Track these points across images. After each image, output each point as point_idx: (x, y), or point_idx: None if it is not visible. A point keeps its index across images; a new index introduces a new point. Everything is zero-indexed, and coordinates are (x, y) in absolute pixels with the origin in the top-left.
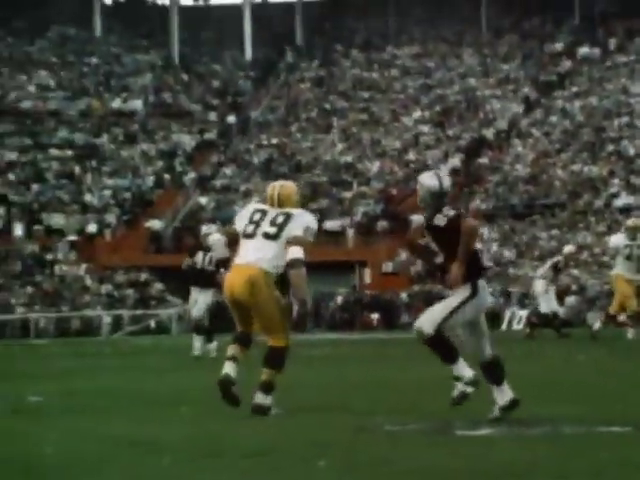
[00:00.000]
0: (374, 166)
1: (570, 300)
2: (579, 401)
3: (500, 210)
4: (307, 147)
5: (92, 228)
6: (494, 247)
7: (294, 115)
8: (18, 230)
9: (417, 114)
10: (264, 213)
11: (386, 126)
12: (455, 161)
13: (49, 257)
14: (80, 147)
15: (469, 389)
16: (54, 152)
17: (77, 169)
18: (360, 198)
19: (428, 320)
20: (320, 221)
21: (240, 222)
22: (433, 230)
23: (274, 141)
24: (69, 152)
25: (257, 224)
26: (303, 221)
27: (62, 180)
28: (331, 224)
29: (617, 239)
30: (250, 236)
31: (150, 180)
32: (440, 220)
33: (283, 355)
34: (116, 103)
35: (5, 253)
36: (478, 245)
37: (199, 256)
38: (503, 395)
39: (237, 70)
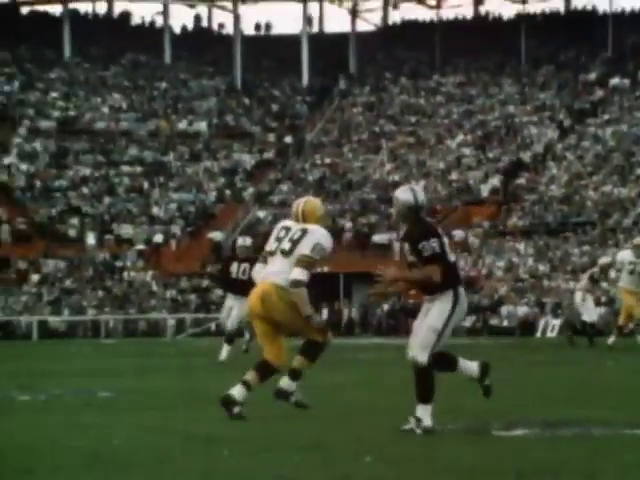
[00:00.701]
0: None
1: (600, 311)
2: (607, 405)
3: (536, 227)
4: (358, 166)
5: (158, 238)
6: (530, 261)
7: (346, 137)
8: (91, 239)
9: (460, 137)
10: (287, 230)
11: (431, 148)
12: (495, 181)
13: (119, 264)
14: (149, 164)
15: (419, 431)
16: (125, 168)
17: (146, 184)
18: None
19: (420, 348)
20: (369, 235)
21: (269, 241)
22: (415, 252)
23: (327, 161)
24: (139, 168)
25: (280, 241)
26: (314, 238)
27: (132, 194)
28: (379, 237)
29: (623, 255)
30: (272, 253)
31: (212, 195)
32: (426, 251)
33: (319, 349)
34: (182, 124)
35: (78, 260)
36: (453, 257)
37: (234, 266)
38: (471, 371)
39: (294, 95)
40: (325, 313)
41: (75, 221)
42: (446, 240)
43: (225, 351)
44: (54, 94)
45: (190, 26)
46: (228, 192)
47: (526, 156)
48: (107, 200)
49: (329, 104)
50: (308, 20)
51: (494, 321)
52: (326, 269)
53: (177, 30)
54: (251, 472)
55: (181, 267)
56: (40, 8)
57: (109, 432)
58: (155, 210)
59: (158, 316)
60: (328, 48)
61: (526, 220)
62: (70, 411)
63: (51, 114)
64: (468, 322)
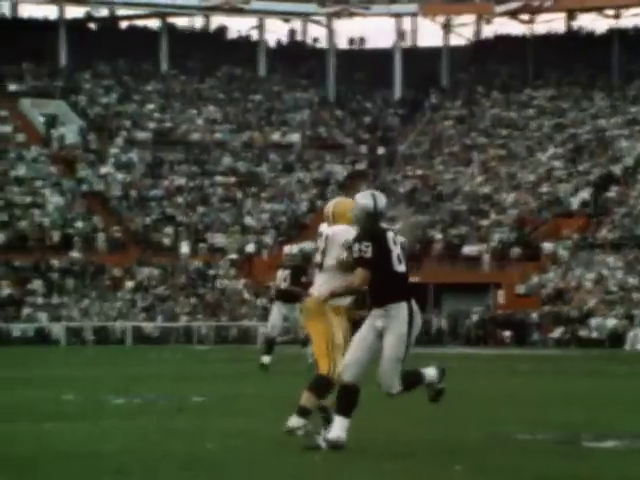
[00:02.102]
0: (510, 197)
1: None
2: None
3: (625, 240)
4: (449, 178)
5: (251, 248)
6: (619, 274)
7: (437, 149)
8: (184, 248)
9: (551, 150)
10: (320, 238)
11: (522, 161)
12: (585, 194)
13: (211, 272)
14: (242, 174)
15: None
16: (219, 179)
17: (239, 194)
18: (496, 226)
19: (390, 381)
20: (459, 246)
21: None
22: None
23: (418, 172)
24: (232, 179)
25: (317, 253)
26: (339, 240)
27: (225, 204)
28: (469, 249)
29: None
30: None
31: (304, 205)
32: (354, 252)
33: (322, 383)
34: (276, 136)
35: (172, 268)
36: (403, 267)
37: (279, 273)
38: (335, 429)
39: (387, 107)
40: None
41: (169, 230)
42: (398, 250)
43: (267, 357)
44: (150, 106)
45: (285, 40)
46: (320, 202)
47: (617, 169)
48: (201, 209)
49: (421, 117)
50: (401, 34)
51: (583, 332)
52: (416, 279)
53: (272, 44)
54: (342, 479)
55: (272, 276)
56: (139, 23)
57: (202, 436)
58: (248, 220)
59: (249, 324)
60: (420, 62)
61: (616, 233)
62: (164, 415)
63: (147, 125)
64: (557, 333)
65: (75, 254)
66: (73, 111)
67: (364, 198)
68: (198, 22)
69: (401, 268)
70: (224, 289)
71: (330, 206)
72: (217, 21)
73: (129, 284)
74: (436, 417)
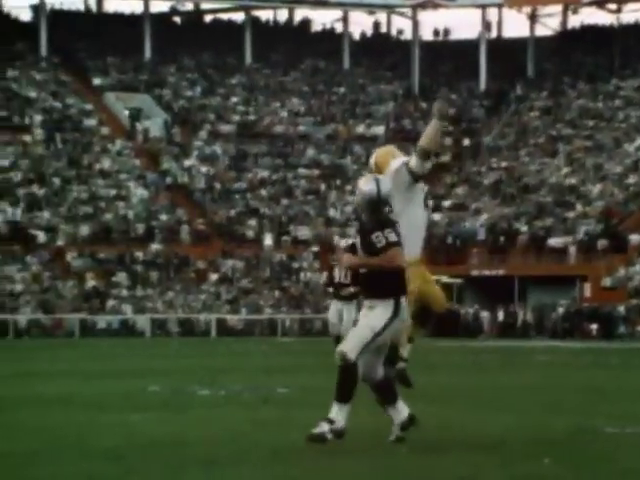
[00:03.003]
0: (596, 188)
1: None
2: None
3: None
4: (534, 170)
5: (335, 239)
6: None
7: (523, 141)
8: (268, 240)
9: (638, 141)
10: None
11: (608, 152)
12: None
13: (295, 265)
14: (326, 167)
15: (330, 436)
16: (302, 171)
17: (323, 187)
18: (582, 218)
19: (352, 344)
20: (544, 238)
21: None
22: (367, 245)
23: (503, 164)
24: (316, 171)
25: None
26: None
27: (309, 196)
28: (555, 241)
29: None
30: None
31: None
32: (379, 242)
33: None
34: (360, 128)
35: (256, 260)
36: (403, 262)
37: (336, 270)
38: (399, 414)
39: (471, 99)
40: (501, 315)
41: (253, 222)
42: (402, 244)
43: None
44: (234, 99)
45: (369, 32)
46: None
47: None
48: (285, 202)
49: (506, 108)
50: (487, 25)
51: None
52: (501, 272)
53: (356, 36)
54: (431, 471)
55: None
56: (223, 16)
57: (287, 427)
58: (331, 212)
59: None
60: (506, 53)
61: None
62: (249, 406)
63: (231, 118)
64: None
65: (156, 246)
66: (157, 104)
67: (367, 184)
68: (282, 15)
69: (402, 263)
70: (308, 282)
71: (373, 158)
72: (301, 14)
73: (213, 276)
74: (524, 409)
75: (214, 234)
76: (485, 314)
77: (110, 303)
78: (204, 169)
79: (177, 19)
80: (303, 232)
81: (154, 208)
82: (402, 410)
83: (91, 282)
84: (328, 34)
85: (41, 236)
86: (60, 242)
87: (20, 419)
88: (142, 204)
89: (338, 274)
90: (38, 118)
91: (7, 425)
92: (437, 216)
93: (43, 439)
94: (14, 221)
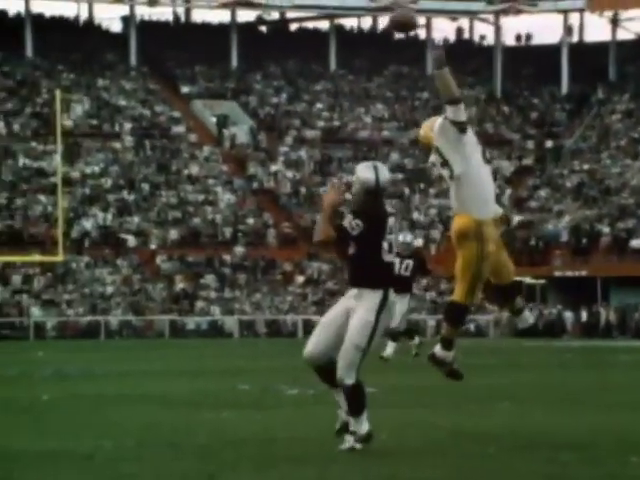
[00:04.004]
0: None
1: None
2: None
3: None
4: (616, 172)
5: (419, 242)
6: None
7: (605, 143)
8: None
9: None
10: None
11: None
12: None
13: None
14: (410, 171)
15: (358, 446)
16: None
17: (406, 190)
18: None
19: (347, 370)
20: (627, 240)
21: None
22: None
23: (585, 167)
24: (400, 175)
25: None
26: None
27: (393, 200)
28: (637, 242)
29: None
30: None
31: None
32: (354, 230)
33: (454, 310)
34: None
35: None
36: (390, 257)
37: (396, 264)
38: (360, 425)
39: (554, 103)
40: (584, 315)
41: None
42: (392, 238)
43: (390, 347)
44: (319, 105)
45: (452, 38)
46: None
47: None
48: None
49: (588, 111)
50: (568, 30)
51: None
52: (584, 273)
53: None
54: (519, 470)
55: (440, 270)
56: (308, 25)
57: (376, 427)
58: (415, 215)
59: (418, 317)
60: (587, 57)
61: None
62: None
63: (316, 124)
64: None
65: (240, 249)
66: (244, 111)
67: (365, 171)
68: (366, 23)
69: (389, 258)
70: None
71: (419, 132)
72: (385, 21)
73: (299, 278)
74: (610, 409)
75: (300, 237)
76: (568, 314)
77: (199, 305)
78: (290, 174)
79: (263, 28)
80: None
81: (241, 212)
82: (363, 422)
83: (180, 284)
84: (411, 41)
85: (131, 240)
86: (152, 246)
87: (114, 417)
88: (229, 208)
89: (398, 267)
90: (128, 126)
91: (102, 423)
92: (520, 218)
93: (138, 437)
94: (105, 226)
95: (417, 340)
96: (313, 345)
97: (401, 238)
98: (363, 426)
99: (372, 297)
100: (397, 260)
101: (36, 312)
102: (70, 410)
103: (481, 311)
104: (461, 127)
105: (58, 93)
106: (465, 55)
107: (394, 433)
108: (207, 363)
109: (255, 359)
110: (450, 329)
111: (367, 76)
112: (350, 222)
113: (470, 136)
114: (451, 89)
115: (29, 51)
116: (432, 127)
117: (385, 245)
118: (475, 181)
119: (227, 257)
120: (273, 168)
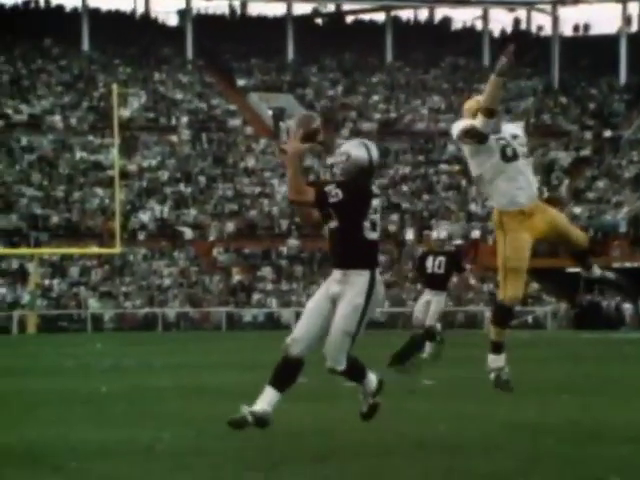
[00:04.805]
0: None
1: None
2: None
3: None
4: None
5: (476, 234)
6: None
7: None
8: (409, 234)
9: None
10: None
11: None
12: None
13: None
14: (466, 163)
15: (378, 400)
16: (443, 167)
17: (463, 182)
18: None
19: (337, 356)
20: None
21: None
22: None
23: None
24: (456, 167)
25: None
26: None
27: (450, 191)
28: None
29: None
30: None
31: None
32: (332, 197)
33: (499, 311)
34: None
35: (398, 254)
36: (374, 235)
37: (429, 261)
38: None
39: (612, 93)
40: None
41: (395, 217)
42: (375, 217)
43: (429, 347)
44: (376, 97)
45: (509, 29)
46: (544, 189)
47: None
48: (426, 197)
49: None
50: (627, 20)
51: None
52: (636, 264)
53: (496, 33)
54: (579, 462)
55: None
56: (364, 17)
57: (434, 418)
58: (472, 207)
59: (475, 309)
60: None
61: None
62: (394, 398)
63: (373, 116)
64: None
65: (293, 241)
66: (300, 104)
67: (357, 149)
68: (422, 14)
69: (372, 235)
70: None
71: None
72: (441, 12)
73: None
74: None
75: None
76: (627, 306)
77: (256, 297)
78: None
79: (319, 21)
80: (443, 227)
81: None
82: (371, 379)
83: (237, 277)
84: (468, 32)
85: (188, 233)
86: (210, 238)
87: (173, 409)
88: (286, 201)
89: (431, 264)
90: (184, 119)
91: (161, 415)
92: (578, 209)
93: (197, 428)
94: (162, 218)
95: (432, 347)
96: (304, 342)
97: (435, 234)
98: (371, 383)
99: (359, 279)
100: (431, 258)
101: (94, 304)
102: (129, 402)
103: (539, 303)
104: (480, 138)
105: (115, 87)
106: (522, 46)
107: (452, 425)
108: (264, 355)
109: (313, 352)
110: (494, 329)
111: (423, 68)
112: (330, 189)
113: (486, 144)
114: (495, 100)
115: (86, 45)
116: (478, 102)
117: (367, 223)
118: (491, 180)
119: (283, 249)
120: (329, 160)
